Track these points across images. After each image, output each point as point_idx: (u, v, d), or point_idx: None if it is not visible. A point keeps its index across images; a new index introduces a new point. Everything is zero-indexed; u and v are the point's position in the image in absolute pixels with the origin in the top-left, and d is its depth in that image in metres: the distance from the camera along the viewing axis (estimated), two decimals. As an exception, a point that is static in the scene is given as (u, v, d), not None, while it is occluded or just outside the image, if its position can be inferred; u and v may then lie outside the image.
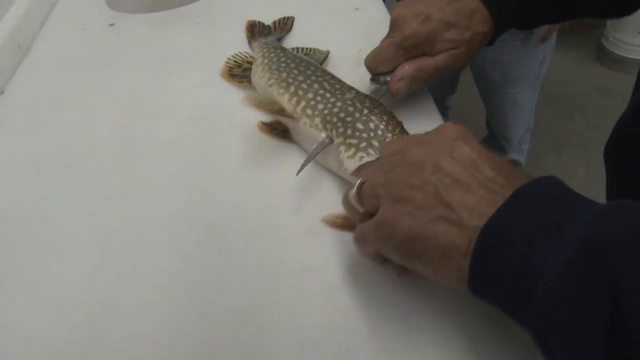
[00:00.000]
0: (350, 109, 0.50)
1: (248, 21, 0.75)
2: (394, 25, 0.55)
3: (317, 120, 0.51)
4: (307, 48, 0.67)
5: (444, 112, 1.72)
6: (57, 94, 0.67)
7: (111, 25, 0.81)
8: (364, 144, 0.48)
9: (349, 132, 0.49)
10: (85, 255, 0.46)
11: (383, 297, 0.40)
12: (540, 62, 1.43)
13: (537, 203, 0.29)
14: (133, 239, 0.47)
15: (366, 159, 0.47)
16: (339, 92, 0.53)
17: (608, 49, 2.28)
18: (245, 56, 0.67)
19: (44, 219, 0.50)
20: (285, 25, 0.75)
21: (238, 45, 0.72)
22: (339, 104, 0.51)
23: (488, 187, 0.31)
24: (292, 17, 0.77)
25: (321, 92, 0.53)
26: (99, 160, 0.56)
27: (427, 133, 0.37)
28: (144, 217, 0.48)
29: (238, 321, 0.39)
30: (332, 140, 0.50)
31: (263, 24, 0.75)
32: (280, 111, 0.53)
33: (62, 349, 0.39)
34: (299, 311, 0.39)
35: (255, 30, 0.74)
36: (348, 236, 0.43)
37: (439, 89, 1.65)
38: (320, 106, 0.52)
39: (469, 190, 0.31)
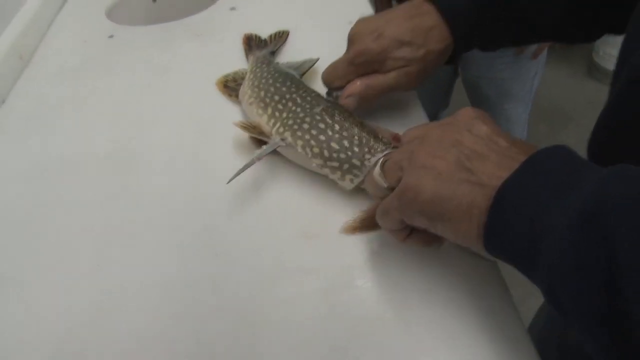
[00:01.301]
0: (321, 125, 0.51)
1: (245, 34, 0.77)
2: (350, 41, 0.56)
3: (289, 136, 0.52)
4: (297, 62, 0.69)
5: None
6: (57, 103, 0.68)
7: (111, 37, 0.83)
8: (346, 166, 0.49)
9: (326, 153, 0.49)
10: (84, 257, 0.47)
11: (379, 296, 0.41)
12: (532, 77, 1.45)
13: (549, 168, 0.31)
14: (131, 241, 0.48)
15: (356, 180, 0.48)
16: (308, 106, 0.54)
17: (599, 64, 2.32)
18: (244, 72, 0.69)
19: (44, 221, 0.51)
20: (280, 38, 0.77)
21: (236, 56, 0.74)
22: (308, 119, 0.52)
23: (505, 155, 0.34)
24: (287, 30, 0.79)
25: (293, 108, 0.54)
26: (98, 165, 0.57)
27: (445, 118, 0.39)
28: (142, 221, 0.50)
29: (236, 320, 0.41)
30: (283, 142, 0.51)
31: (260, 37, 0.77)
32: (262, 134, 0.54)
33: (60, 348, 0.40)
34: (295, 309, 0.41)
35: (252, 43, 0.76)
36: (341, 238, 0.45)
37: (432, 104, 1.67)
38: (295, 126, 0.52)
39: (487, 158, 0.34)
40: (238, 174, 0.49)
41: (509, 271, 0.37)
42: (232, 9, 0.90)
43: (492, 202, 0.32)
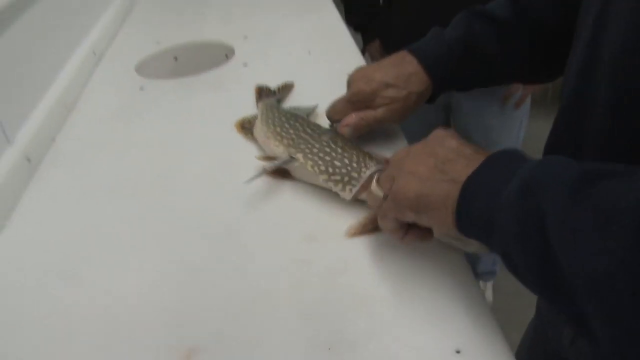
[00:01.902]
0: (327, 149, 0.64)
1: (257, 85, 0.91)
2: (348, 84, 0.71)
3: (301, 158, 0.65)
4: (298, 107, 0.82)
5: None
6: (98, 142, 0.81)
7: (141, 88, 0.97)
8: (346, 178, 0.61)
9: (330, 169, 0.62)
10: (125, 263, 0.58)
11: (371, 280, 0.52)
12: (518, 126, 1.57)
13: (501, 163, 0.42)
14: (163, 248, 0.59)
15: (354, 189, 0.61)
16: (316, 136, 0.67)
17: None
18: (255, 116, 0.82)
19: (93, 235, 0.62)
20: (286, 88, 0.91)
21: (248, 104, 0.87)
22: (317, 145, 0.65)
23: (471, 159, 0.45)
24: (292, 82, 0.93)
25: (305, 137, 0.67)
26: (137, 189, 0.69)
27: (423, 139, 0.51)
28: (172, 233, 0.61)
29: (249, 298, 0.51)
30: (292, 158, 0.65)
31: (269, 87, 0.91)
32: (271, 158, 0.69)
33: (112, 331, 0.51)
34: (300, 290, 0.52)
35: (262, 92, 0.90)
36: (339, 240, 0.56)
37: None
38: (306, 149, 0.65)
39: (457, 162, 0.45)
40: (256, 177, 0.64)
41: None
42: (245, 64, 1.04)
43: (460, 192, 0.43)
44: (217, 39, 1.18)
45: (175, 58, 1.16)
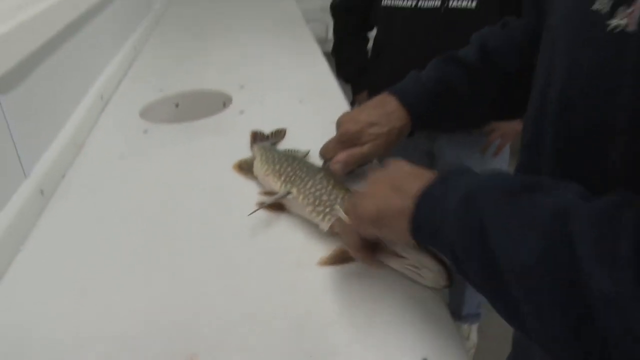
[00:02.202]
0: (319, 185, 0.73)
1: (252, 130, 0.99)
2: (337, 126, 0.81)
3: (295, 192, 0.74)
4: (294, 150, 0.91)
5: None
6: (104, 179, 0.88)
7: (145, 131, 1.05)
8: (327, 209, 0.69)
9: (317, 202, 0.70)
10: (131, 283, 0.65)
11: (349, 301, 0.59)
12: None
13: (449, 177, 0.50)
14: (166, 272, 0.66)
15: (332, 220, 0.68)
16: (311, 173, 0.76)
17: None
18: (250, 158, 0.90)
19: (100, 259, 0.69)
20: (279, 134, 0.99)
21: (244, 148, 0.95)
22: (310, 182, 0.74)
23: (423, 178, 0.52)
24: (285, 128, 1.01)
25: (301, 175, 0.76)
26: (139, 222, 0.76)
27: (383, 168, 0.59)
28: (175, 259, 0.68)
29: (246, 309, 0.58)
30: (288, 192, 0.73)
31: (263, 133, 0.99)
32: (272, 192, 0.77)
33: (121, 340, 0.57)
34: (291, 298, 0.58)
35: (257, 137, 0.98)
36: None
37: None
38: (301, 185, 0.74)
39: (413, 181, 0.52)
40: (257, 209, 0.72)
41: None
42: (241, 112, 1.13)
43: (415, 203, 0.50)
44: (216, 88, 1.27)
45: (177, 104, 1.25)
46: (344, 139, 0.78)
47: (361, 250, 0.59)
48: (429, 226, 0.49)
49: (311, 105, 1.15)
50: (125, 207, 0.80)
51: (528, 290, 0.40)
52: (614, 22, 0.43)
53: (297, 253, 0.67)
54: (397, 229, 0.52)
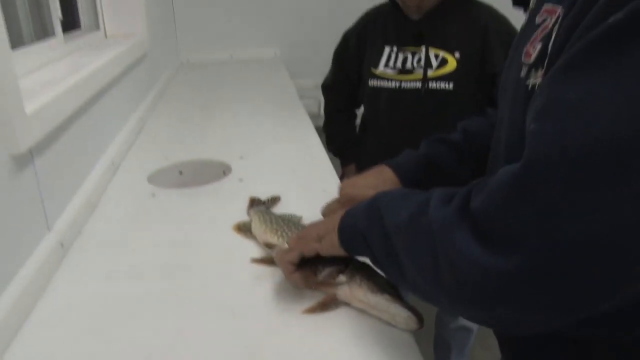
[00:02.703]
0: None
1: (250, 197, 1.11)
2: (339, 190, 0.93)
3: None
4: (288, 214, 1.02)
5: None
6: (116, 235, 0.98)
7: (153, 195, 1.16)
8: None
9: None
10: (142, 327, 0.74)
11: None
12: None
13: (371, 199, 0.66)
14: (174, 316, 0.75)
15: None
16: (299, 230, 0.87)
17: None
18: (248, 221, 1.01)
19: (113, 304, 0.78)
20: (274, 200, 1.11)
21: (242, 212, 1.06)
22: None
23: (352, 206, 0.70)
24: (279, 195, 1.13)
25: (295, 231, 0.87)
26: (149, 274, 0.86)
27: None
28: (180, 306, 0.77)
29: (249, 334, 0.67)
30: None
31: (260, 199, 1.11)
32: (271, 245, 0.87)
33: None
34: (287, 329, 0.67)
35: (254, 202, 1.09)
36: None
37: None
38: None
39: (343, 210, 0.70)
40: (260, 262, 0.86)
41: None
42: (240, 180, 1.25)
43: (340, 218, 0.68)
44: (217, 158, 1.39)
45: (181, 172, 1.37)
46: (344, 200, 0.90)
47: (292, 275, 0.74)
48: (348, 229, 0.67)
49: (303, 175, 1.27)
50: (135, 261, 0.90)
51: (405, 244, 0.57)
52: (530, 82, 0.56)
53: (287, 300, 0.77)
54: (331, 239, 0.70)
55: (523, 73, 0.58)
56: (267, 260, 0.87)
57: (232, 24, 2.81)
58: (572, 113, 0.43)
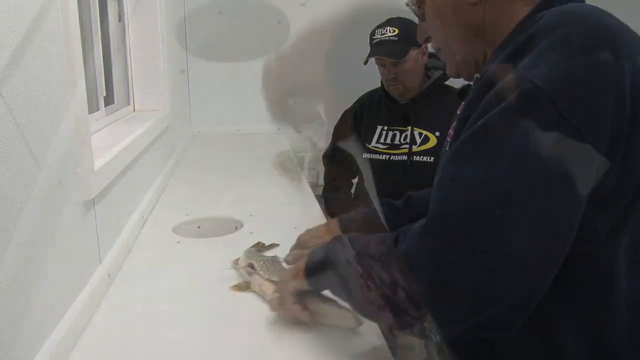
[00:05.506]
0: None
1: (257, 241, 1.33)
2: (297, 239, 1.18)
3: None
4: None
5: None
6: (152, 272, 1.19)
7: (178, 242, 1.38)
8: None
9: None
10: (178, 333, 0.93)
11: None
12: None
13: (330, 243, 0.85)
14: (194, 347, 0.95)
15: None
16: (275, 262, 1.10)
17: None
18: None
19: (149, 331, 0.98)
20: (273, 245, 1.32)
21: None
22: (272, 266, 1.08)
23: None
24: (278, 243, 1.34)
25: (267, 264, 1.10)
26: (176, 310, 1.06)
27: None
28: (201, 340, 0.97)
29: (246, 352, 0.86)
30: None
31: (262, 242, 1.32)
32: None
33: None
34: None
35: (257, 245, 1.31)
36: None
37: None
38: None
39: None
40: (237, 289, 1.07)
41: None
42: (251, 233, 1.47)
43: (307, 258, 0.87)
44: (230, 215, 1.62)
45: (199, 227, 1.59)
46: (298, 242, 1.17)
47: (292, 307, 0.91)
48: (312, 266, 0.85)
49: (303, 230, 1.48)
50: (166, 296, 1.10)
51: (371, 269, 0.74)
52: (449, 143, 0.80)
53: (281, 329, 0.96)
54: (299, 275, 0.89)
55: (447, 147, 0.83)
56: (244, 286, 1.09)
57: (239, 102, 3.08)
58: (452, 186, 0.69)
